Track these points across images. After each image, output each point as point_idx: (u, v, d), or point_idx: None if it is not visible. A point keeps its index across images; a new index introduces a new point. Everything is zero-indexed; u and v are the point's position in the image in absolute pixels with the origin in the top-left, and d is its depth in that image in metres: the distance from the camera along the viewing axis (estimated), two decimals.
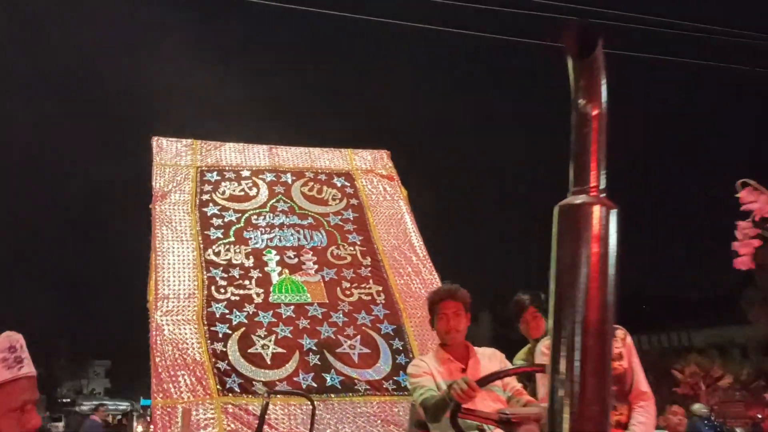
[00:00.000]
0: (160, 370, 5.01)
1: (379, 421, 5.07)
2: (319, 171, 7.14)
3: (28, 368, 1.97)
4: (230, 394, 4.99)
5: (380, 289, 6.06)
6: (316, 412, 4.56)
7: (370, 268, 6.22)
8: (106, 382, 55.02)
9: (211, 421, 4.78)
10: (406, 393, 5.32)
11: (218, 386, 5.02)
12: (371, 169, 7.27)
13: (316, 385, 5.16)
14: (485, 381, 2.50)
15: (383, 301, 5.96)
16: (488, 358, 3.14)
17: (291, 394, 4.66)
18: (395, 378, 5.41)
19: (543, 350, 3.14)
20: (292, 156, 7.28)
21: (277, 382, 5.13)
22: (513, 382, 3.00)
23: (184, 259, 5.95)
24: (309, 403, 4.43)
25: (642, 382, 3.05)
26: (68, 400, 43.92)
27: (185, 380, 5.00)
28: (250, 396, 5.02)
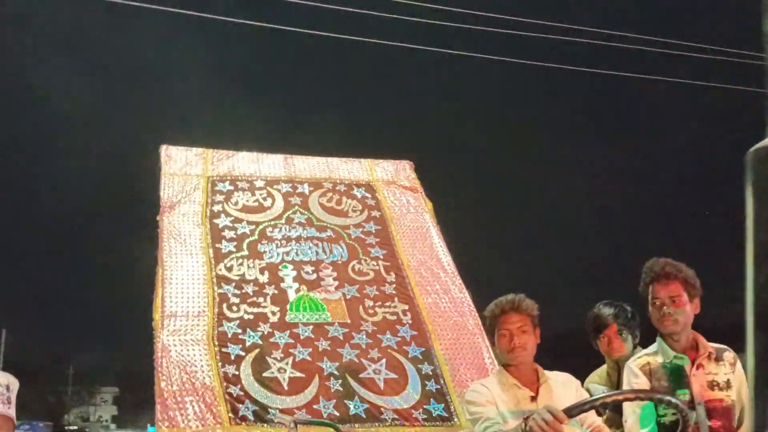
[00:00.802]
0: (165, 396, 4.50)
1: None
2: (338, 182, 6.68)
3: (12, 411, 2.34)
4: (243, 423, 4.46)
5: (406, 308, 5.54)
6: None
7: (395, 285, 5.71)
8: (113, 410, 54.27)
9: None
10: (438, 423, 4.79)
11: (230, 414, 4.50)
12: (393, 181, 6.80)
13: (338, 414, 4.63)
14: (576, 410, 1.98)
15: (410, 321, 5.44)
16: (562, 385, 2.61)
17: (318, 424, 4.13)
18: (426, 406, 4.86)
19: (634, 370, 2.62)
20: (308, 166, 6.83)
21: (296, 410, 4.60)
22: (592, 416, 2.47)
23: (193, 274, 5.47)
24: None
25: None
26: (75, 427, 43.27)
27: (193, 407, 4.49)
28: (266, 425, 4.49)
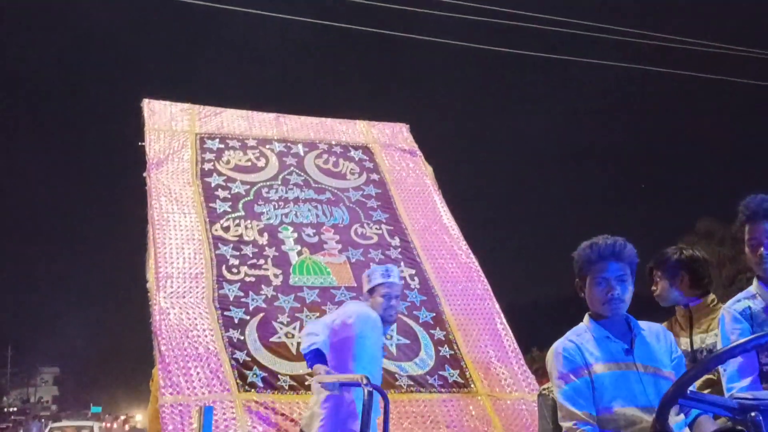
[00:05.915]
0: (168, 361, 4.15)
1: (428, 422, 4.30)
2: (334, 143, 6.36)
3: None
4: (253, 390, 4.16)
5: (413, 272, 5.31)
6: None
7: (399, 249, 5.46)
8: (54, 390, 52.53)
9: (233, 422, 3.94)
10: (454, 390, 4.59)
11: (238, 380, 4.19)
12: (391, 143, 6.52)
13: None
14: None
15: (418, 286, 5.21)
16: (656, 337, 2.40)
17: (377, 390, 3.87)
18: (440, 372, 4.65)
19: (735, 315, 2.43)
20: (301, 126, 6.48)
21: (307, 377, 4.33)
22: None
23: (187, 234, 5.10)
24: None
25: None
26: (15, 408, 41.67)
27: (198, 373, 4.15)
28: (277, 392, 4.20)
